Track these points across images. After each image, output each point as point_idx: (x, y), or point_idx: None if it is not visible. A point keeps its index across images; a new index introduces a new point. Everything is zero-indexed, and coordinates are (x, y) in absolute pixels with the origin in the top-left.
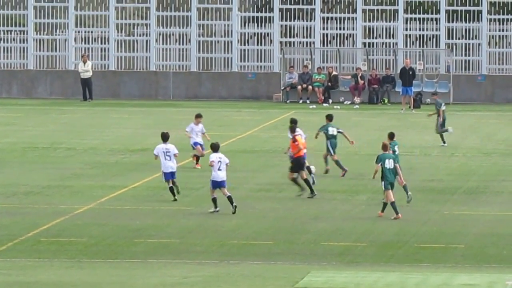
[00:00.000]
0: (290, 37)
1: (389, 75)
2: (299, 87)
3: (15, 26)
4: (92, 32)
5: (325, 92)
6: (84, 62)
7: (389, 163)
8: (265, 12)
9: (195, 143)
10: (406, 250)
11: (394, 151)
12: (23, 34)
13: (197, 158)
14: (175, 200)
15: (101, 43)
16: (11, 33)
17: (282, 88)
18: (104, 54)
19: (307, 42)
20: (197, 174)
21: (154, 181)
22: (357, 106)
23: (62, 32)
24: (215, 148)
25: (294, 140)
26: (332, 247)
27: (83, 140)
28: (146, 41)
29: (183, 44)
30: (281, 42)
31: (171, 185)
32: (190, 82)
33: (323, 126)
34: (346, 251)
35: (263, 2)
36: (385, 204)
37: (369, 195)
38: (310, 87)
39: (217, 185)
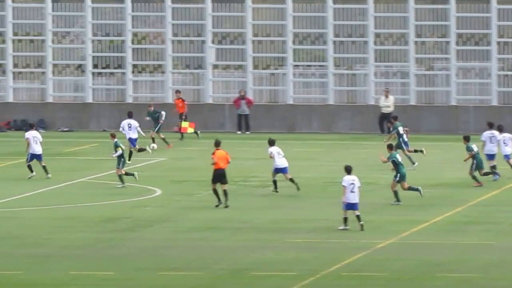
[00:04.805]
0: None
1: None
2: None
3: (315, 61)
4: (392, 66)
5: None
6: (386, 97)
7: None
8: None
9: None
10: None
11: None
12: (323, 69)
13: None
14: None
15: (401, 78)
16: (310, 68)
17: None
18: (404, 88)
19: None
20: (496, 209)
21: (456, 215)
22: None
23: (362, 66)
24: (348, 170)
25: (213, 153)
26: None
27: (384, 174)
28: (446, 75)
29: (483, 78)
30: None
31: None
32: (491, 116)
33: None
34: None
35: None
36: None
37: None
38: None
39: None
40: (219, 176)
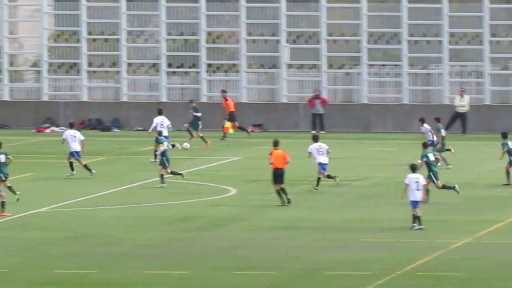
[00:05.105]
0: None
1: None
2: None
3: (390, 60)
4: (466, 66)
5: None
6: (461, 96)
7: None
8: None
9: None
10: None
11: None
12: (398, 68)
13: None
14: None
15: (476, 77)
16: (385, 68)
17: None
18: (478, 88)
19: None
20: None
21: None
22: None
23: (437, 66)
24: (413, 168)
25: (270, 153)
26: None
27: (457, 174)
28: None
29: None
30: None
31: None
32: None
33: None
34: None
35: None
36: None
37: None
38: None
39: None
40: (278, 176)
